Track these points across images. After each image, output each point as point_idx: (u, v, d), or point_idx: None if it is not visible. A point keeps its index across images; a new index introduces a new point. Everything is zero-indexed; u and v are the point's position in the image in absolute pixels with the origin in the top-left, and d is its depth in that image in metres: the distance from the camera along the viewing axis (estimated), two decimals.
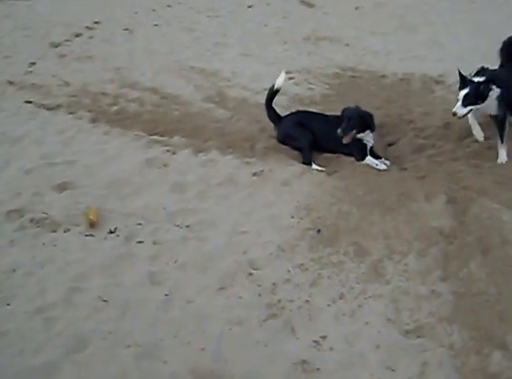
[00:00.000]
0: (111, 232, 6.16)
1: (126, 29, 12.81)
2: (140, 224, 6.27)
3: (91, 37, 12.33)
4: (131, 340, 4.82)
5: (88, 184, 6.91)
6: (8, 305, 5.18)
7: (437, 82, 10.19)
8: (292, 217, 6.43)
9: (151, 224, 6.27)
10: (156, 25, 13.18)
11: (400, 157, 7.70)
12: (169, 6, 14.64)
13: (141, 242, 6.02)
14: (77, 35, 12.33)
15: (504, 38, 7.99)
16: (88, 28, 12.81)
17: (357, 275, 5.60)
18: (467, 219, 6.36)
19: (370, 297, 5.34)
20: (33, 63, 10.80)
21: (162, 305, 5.19)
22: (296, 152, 7.67)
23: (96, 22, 13.17)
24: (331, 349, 4.78)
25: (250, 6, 14.79)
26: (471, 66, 10.58)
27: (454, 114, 7.08)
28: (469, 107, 7.09)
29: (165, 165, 7.39)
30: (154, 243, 5.99)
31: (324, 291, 5.39)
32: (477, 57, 11.12)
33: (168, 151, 7.69)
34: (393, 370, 4.61)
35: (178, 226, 6.30)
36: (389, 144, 7.93)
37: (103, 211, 6.41)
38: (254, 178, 7.14)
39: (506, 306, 5.18)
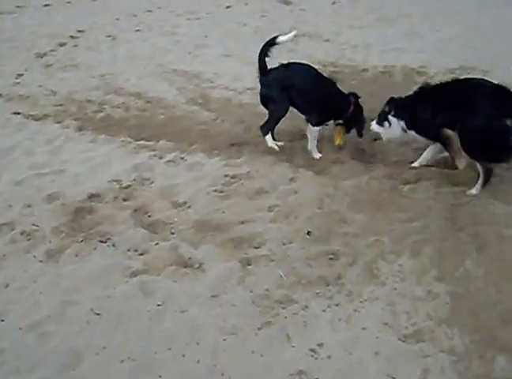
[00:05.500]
0: (102, 241, 5.90)
1: (109, 36, 12.60)
2: (128, 232, 6.05)
3: (75, 46, 12.13)
4: (125, 354, 4.57)
5: (77, 193, 6.67)
6: (2, 321, 4.96)
7: (419, 73, 10.00)
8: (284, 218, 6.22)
9: (139, 231, 6.05)
10: (137, 31, 12.96)
11: (386, 151, 7.48)
12: (149, 11, 14.50)
13: (129, 250, 5.78)
14: (62, 45, 12.14)
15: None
16: (72, 37, 12.63)
17: (351, 277, 5.33)
18: (459, 214, 6.12)
19: (365, 300, 5.06)
20: (20, 74, 10.63)
21: (155, 317, 4.93)
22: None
23: (80, 31, 12.99)
24: (329, 357, 4.51)
25: (228, 7, 14.66)
26: (450, 56, 10.46)
27: None
28: None
29: (152, 170, 7.18)
30: (143, 253, 5.75)
31: (318, 296, 5.13)
32: (456, 46, 11.02)
33: (155, 155, 7.49)
34: (393, 378, 4.34)
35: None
36: (375, 139, 7.69)
37: (91, 221, 6.19)
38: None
39: (506, 306, 4.90)
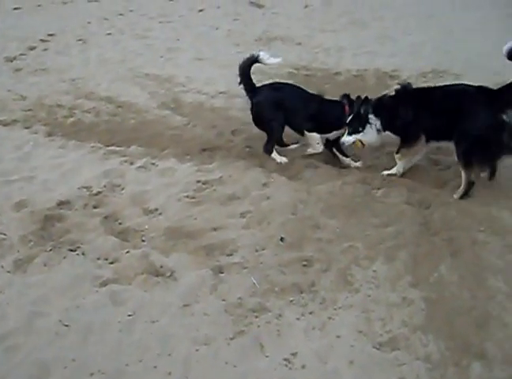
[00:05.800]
0: (72, 250, 5.77)
1: (80, 40, 12.43)
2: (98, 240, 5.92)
3: (45, 49, 11.92)
4: (95, 367, 4.45)
5: (46, 200, 6.53)
6: None
7: (391, 77, 10.00)
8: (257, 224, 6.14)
9: (110, 239, 5.92)
10: (109, 34, 12.80)
11: (360, 156, 7.43)
12: (121, 15, 14.30)
13: (99, 259, 5.66)
14: (32, 49, 11.91)
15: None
16: (42, 40, 12.40)
17: (325, 284, 5.26)
18: (433, 218, 6.09)
19: (340, 307, 4.99)
20: None
21: (126, 327, 4.82)
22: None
23: (50, 34, 12.75)
24: (303, 367, 4.43)
25: (200, 10, 14.58)
26: (423, 59, 10.44)
27: None
28: None
29: (122, 176, 7.05)
30: (113, 261, 5.63)
31: (292, 304, 5.05)
32: (429, 49, 11.02)
33: (126, 161, 7.37)
34: None
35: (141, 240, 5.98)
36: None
37: (60, 229, 6.06)
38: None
39: (481, 311, 4.88)
